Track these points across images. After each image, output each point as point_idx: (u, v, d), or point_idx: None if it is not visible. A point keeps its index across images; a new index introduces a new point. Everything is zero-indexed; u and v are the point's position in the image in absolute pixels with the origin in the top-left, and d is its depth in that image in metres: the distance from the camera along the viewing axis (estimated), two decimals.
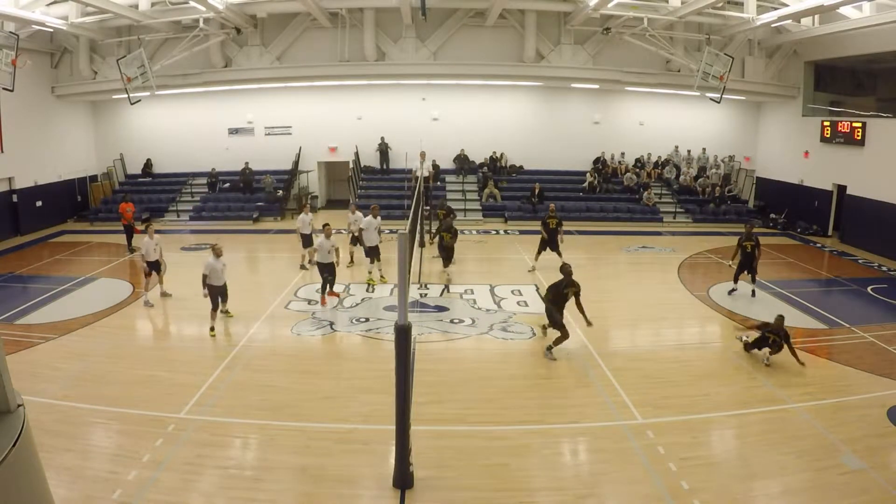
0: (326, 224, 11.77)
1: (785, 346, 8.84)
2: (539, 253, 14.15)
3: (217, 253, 10.07)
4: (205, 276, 9.99)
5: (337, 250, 11.49)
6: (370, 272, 13.11)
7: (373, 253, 13.07)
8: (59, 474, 5.91)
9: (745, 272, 12.28)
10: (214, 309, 10.15)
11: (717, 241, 17.79)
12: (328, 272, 11.47)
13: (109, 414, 7.25)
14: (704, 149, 22.63)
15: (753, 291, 12.43)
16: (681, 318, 11.45)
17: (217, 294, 10.16)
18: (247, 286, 12.53)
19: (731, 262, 12.65)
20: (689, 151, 22.65)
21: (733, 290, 12.51)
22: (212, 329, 10.07)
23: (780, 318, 8.94)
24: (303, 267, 14.11)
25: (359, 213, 14.09)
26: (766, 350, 8.98)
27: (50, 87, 20.08)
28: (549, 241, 14.05)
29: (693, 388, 8.29)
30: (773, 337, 8.86)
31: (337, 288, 12.65)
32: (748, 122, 22.79)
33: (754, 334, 9.35)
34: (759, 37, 19.77)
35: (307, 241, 13.97)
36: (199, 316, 11.15)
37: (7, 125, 17.58)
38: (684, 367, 9.03)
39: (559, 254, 13.80)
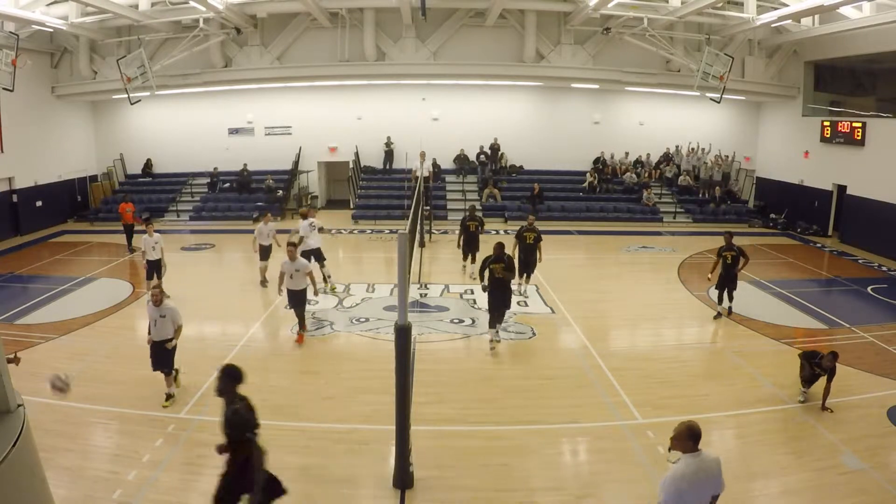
0: (291, 243, 9.81)
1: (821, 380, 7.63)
2: (522, 274, 11.95)
3: (155, 299, 7.45)
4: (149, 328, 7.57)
5: (309, 276, 9.62)
6: (328, 277, 12.11)
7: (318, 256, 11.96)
8: (59, 474, 5.90)
9: (724, 290, 10.93)
10: (167, 374, 7.62)
11: (717, 241, 17.64)
12: (294, 302, 9.65)
13: (109, 414, 7.24)
14: (703, 149, 22.57)
15: (730, 309, 11.05)
16: (681, 318, 11.45)
17: (154, 353, 7.55)
18: (246, 286, 12.53)
19: (709, 276, 11.15)
20: (692, 146, 22.55)
21: (718, 314, 11.06)
22: (167, 396, 7.57)
23: (833, 357, 7.46)
24: (263, 283, 12.63)
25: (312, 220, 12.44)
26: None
27: (50, 87, 20.08)
28: (524, 262, 11.78)
29: (693, 388, 8.29)
30: (817, 370, 7.60)
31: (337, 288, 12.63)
32: (748, 122, 22.78)
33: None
34: (759, 37, 19.77)
35: (264, 252, 12.72)
36: (199, 316, 11.16)
37: (7, 125, 17.58)
38: (684, 367, 9.03)
39: (528, 277, 12.13)
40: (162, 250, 11.66)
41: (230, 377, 4.87)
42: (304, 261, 9.72)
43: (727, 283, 10.92)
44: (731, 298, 11.10)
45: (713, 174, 21.86)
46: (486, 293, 9.52)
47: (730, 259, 10.78)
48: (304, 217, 12.28)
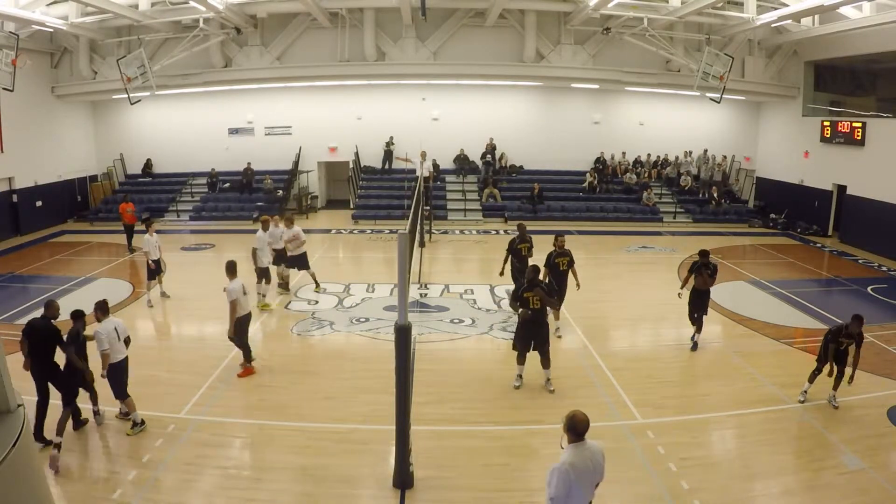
0: (230, 263, 8.55)
1: (846, 357, 7.38)
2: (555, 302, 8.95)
3: (97, 317, 6.87)
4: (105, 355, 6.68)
5: (231, 306, 8.10)
6: (263, 295, 11.33)
7: (264, 274, 11.37)
8: (60, 474, 5.91)
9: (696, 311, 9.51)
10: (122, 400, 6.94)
11: (717, 241, 17.80)
12: (239, 336, 8.36)
13: (109, 414, 7.24)
14: (706, 150, 22.58)
15: (695, 344, 9.56)
16: (681, 318, 11.35)
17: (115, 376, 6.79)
18: (246, 286, 12.49)
19: (679, 292, 9.68)
20: (689, 153, 22.58)
21: (695, 343, 9.58)
22: (131, 423, 6.86)
23: (859, 321, 7.20)
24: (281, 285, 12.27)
25: (283, 227, 11.86)
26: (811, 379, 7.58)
27: (50, 87, 20.08)
28: (559, 292, 9.63)
29: (693, 388, 8.29)
30: (845, 342, 7.31)
31: (335, 287, 12.62)
32: (748, 122, 22.79)
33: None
34: (759, 37, 19.78)
35: (278, 258, 11.93)
36: (199, 316, 11.17)
37: (7, 125, 17.57)
38: (684, 367, 9.04)
39: (556, 313, 9.88)
40: (160, 249, 11.66)
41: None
42: (235, 285, 8.16)
43: (699, 304, 9.52)
44: (699, 327, 9.56)
45: (713, 174, 21.87)
46: (517, 326, 8.16)
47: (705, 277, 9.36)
48: (265, 226, 11.57)
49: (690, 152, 22.50)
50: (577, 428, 4.06)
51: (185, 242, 17.17)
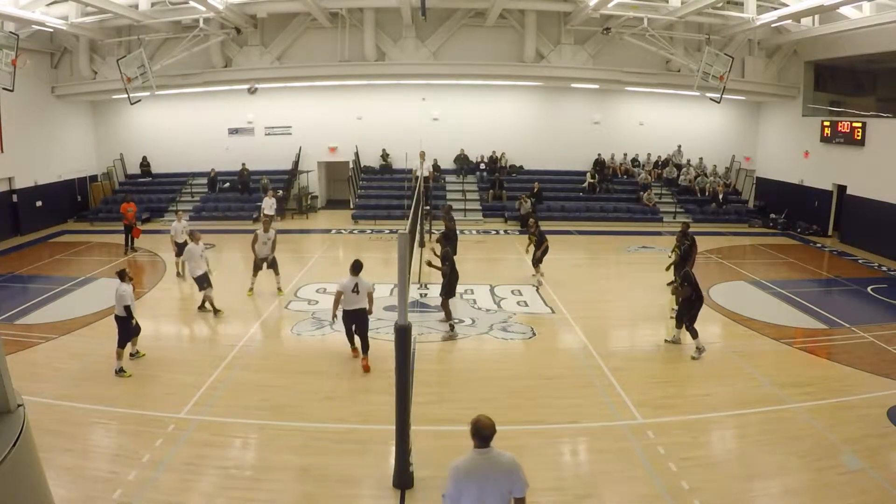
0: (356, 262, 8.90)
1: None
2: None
3: (122, 277, 8.69)
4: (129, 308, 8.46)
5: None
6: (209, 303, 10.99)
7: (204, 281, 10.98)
8: (59, 474, 5.90)
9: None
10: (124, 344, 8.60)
11: (717, 241, 17.80)
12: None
13: (109, 414, 7.24)
14: (701, 158, 22.64)
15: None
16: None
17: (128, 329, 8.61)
18: (247, 286, 12.51)
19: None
20: (688, 161, 22.65)
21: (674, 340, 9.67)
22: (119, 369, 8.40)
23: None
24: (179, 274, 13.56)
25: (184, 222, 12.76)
26: None
27: (50, 87, 20.08)
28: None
29: (693, 388, 8.29)
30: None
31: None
32: (748, 122, 22.80)
33: None
34: (759, 37, 19.77)
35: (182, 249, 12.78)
36: (200, 316, 11.16)
37: (7, 125, 17.57)
38: (684, 367, 9.02)
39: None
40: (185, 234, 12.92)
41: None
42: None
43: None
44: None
45: (713, 182, 21.84)
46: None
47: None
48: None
49: (689, 160, 22.53)
50: (481, 433, 3.98)
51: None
